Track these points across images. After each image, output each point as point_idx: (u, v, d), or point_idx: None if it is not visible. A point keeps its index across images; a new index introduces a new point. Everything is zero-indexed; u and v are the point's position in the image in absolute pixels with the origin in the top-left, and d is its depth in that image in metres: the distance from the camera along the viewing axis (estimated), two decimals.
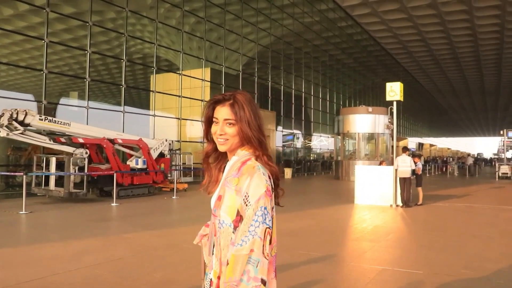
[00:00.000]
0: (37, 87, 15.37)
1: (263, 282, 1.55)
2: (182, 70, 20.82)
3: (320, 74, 35.02)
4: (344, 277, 5.48)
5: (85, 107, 15.99)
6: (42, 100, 14.62)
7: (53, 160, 12.57)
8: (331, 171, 32.71)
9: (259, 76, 26.65)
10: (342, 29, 36.55)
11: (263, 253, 1.57)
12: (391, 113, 13.74)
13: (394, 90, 13.13)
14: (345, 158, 25.91)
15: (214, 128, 1.74)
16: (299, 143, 32.26)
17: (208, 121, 1.77)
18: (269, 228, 1.60)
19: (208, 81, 22.22)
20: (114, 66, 18.71)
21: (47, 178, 12.87)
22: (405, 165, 12.39)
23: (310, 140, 34.28)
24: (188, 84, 21.02)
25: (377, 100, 45.23)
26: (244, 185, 1.62)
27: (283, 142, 29.65)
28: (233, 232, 1.62)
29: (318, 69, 34.69)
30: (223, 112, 1.71)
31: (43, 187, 12.96)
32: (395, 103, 13.30)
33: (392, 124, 13.96)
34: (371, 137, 25.74)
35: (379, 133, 24.96)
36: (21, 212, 10.28)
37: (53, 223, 9.80)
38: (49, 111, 14.99)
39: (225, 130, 1.70)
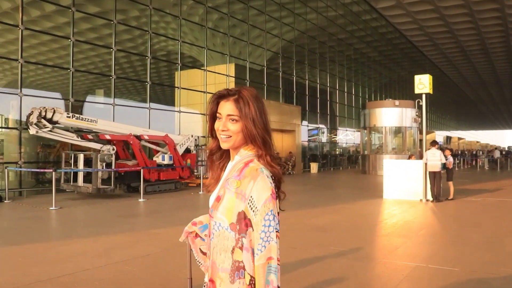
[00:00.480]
0: (64, 85, 15.58)
1: None
2: (206, 66, 20.84)
3: (345, 68, 34.61)
4: (377, 274, 5.33)
5: (111, 104, 16.14)
6: (69, 98, 14.82)
7: (81, 157, 12.74)
8: (357, 165, 32.49)
9: (283, 71, 26.46)
10: (366, 22, 36.04)
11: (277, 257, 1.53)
12: (419, 106, 13.44)
13: (423, 83, 12.83)
14: (371, 152, 25.59)
15: (217, 124, 1.65)
16: (324, 138, 32.01)
17: (212, 117, 1.69)
18: (278, 232, 1.54)
19: (232, 76, 22.17)
20: (139, 64, 18.83)
21: (75, 174, 13.05)
22: (434, 159, 12.10)
23: (336, 134, 33.98)
24: (212, 80, 21.02)
25: (403, 93, 44.53)
26: (247, 188, 1.55)
27: (308, 136, 29.46)
28: (235, 238, 1.55)
29: (343, 63, 34.29)
30: (226, 107, 1.62)
31: (71, 183, 13.14)
32: (424, 96, 12.99)
33: (420, 117, 13.67)
34: (398, 131, 25.33)
35: (406, 127, 24.58)
36: (51, 208, 10.44)
37: (82, 219, 9.90)
38: (76, 108, 15.19)
39: (228, 127, 1.61)
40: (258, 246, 1.50)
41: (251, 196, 1.53)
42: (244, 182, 1.56)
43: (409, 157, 16.34)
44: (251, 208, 1.53)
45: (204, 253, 1.99)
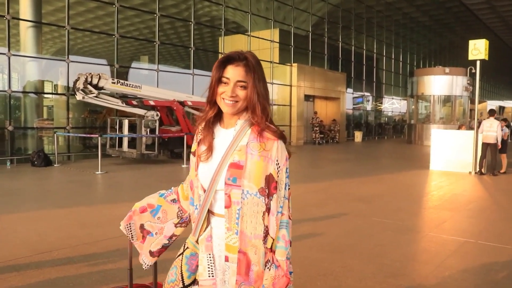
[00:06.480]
0: (109, 52, 15.74)
1: (290, 244, 1.60)
2: (250, 31, 20.52)
3: (392, 33, 33.29)
4: (423, 248, 5.13)
5: (155, 70, 16.22)
6: (114, 64, 14.98)
7: (125, 123, 12.95)
8: (402, 135, 31.75)
9: (329, 36, 25.72)
10: None
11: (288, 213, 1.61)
12: (471, 74, 12.73)
13: (478, 48, 12.09)
14: (418, 121, 24.83)
15: (223, 89, 1.60)
16: (369, 106, 31.26)
17: (218, 82, 1.62)
18: (289, 189, 1.63)
19: (277, 42, 21.77)
20: (183, 30, 18.75)
21: (120, 139, 13.31)
22: (491, 129, 11.51)
23: (381, 103, 33.11)
24: (256, 45, 20.71)
25: (454, 60, 42.56)
26: (272, 150, 1.57)
27: (353, 104, 28.85)
28: (265, 203, 1.56)
29: (391, 29, 32.97)
30: (237, 72, 1.59)
31: (117, 148, 13.44)
32: (478, 63, 12.27)
33: (472, 85, 12.97)
34: (447, 100, 24.35)
35: (456, 96, 23.57)
36: (97, 172, 10.72)
37: (127, 183, 10.10)
38: (121, 75, 15.37)
39: (237, 93, 1.59)
40: (280, 203, 1.58)
41: (277, 158, 1.57)
42: (268, 145, 1.57)
43: (459, 127, 15.74)
44: (277, 169, 1.57)
45: (154, 254, 1.91)
